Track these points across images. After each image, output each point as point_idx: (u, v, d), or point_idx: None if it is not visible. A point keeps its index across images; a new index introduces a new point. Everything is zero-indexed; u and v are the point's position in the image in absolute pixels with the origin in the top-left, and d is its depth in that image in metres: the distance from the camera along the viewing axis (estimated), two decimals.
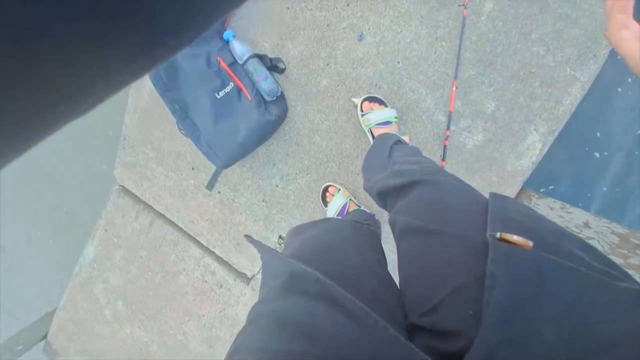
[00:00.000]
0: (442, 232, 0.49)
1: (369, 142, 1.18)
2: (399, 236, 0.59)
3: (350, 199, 1.25)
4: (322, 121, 1.26)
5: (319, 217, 1.36)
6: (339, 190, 1.27)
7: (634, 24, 0.48)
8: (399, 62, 1.13)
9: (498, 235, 0.41)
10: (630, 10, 0.48)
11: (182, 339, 1.72)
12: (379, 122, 1.11)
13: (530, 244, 0.38)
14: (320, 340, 0.39)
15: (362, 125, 1.17)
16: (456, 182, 0.63)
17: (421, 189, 0.63)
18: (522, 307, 0.36)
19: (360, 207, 1.26)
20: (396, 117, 1.13)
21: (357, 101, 1.17)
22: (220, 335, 1.64)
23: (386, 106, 1.15)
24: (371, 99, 1.15)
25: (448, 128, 1.12)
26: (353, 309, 0.42)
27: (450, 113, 1.11)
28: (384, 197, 0.76)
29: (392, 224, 0.64)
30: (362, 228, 0.75)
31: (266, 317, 0.42)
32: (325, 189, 1.30)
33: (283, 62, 1.24)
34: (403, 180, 0.68)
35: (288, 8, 1.19)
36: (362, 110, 1.16)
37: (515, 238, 0.40)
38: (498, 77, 1.06)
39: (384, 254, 0.68)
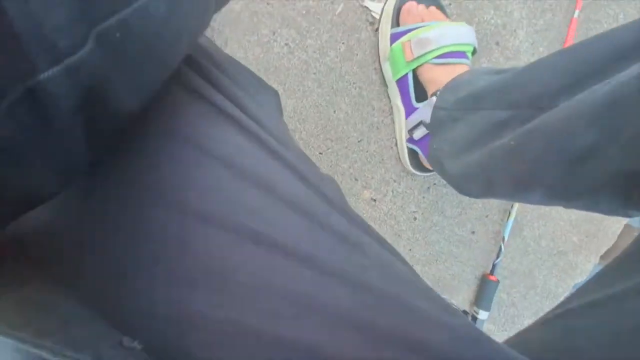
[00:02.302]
0: None
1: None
2: None
3: None
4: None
5: None
6: None
7: None
8: None
9: None
10: None
11: None
12: (447, 50, 0.44)
13: None
14: None
15: (393, 63, 0.48)
16: None
17: None
18: None
19: None
20: (475, 47, 0.47)
21: (376, 5, 0.48)
22: None
23: (450, 18, 0.49)
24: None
25: None
26: None
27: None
28: None
29: None
30: None
31: None
32: None
33: None
34: None
35: None
36: (397, 24, 0.47)
37: None
38: None
39: None
